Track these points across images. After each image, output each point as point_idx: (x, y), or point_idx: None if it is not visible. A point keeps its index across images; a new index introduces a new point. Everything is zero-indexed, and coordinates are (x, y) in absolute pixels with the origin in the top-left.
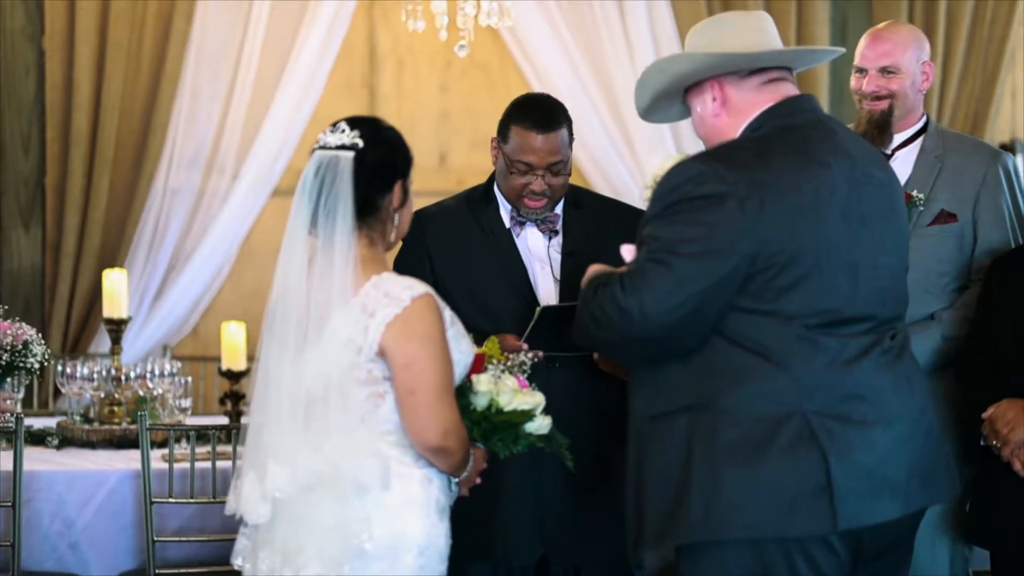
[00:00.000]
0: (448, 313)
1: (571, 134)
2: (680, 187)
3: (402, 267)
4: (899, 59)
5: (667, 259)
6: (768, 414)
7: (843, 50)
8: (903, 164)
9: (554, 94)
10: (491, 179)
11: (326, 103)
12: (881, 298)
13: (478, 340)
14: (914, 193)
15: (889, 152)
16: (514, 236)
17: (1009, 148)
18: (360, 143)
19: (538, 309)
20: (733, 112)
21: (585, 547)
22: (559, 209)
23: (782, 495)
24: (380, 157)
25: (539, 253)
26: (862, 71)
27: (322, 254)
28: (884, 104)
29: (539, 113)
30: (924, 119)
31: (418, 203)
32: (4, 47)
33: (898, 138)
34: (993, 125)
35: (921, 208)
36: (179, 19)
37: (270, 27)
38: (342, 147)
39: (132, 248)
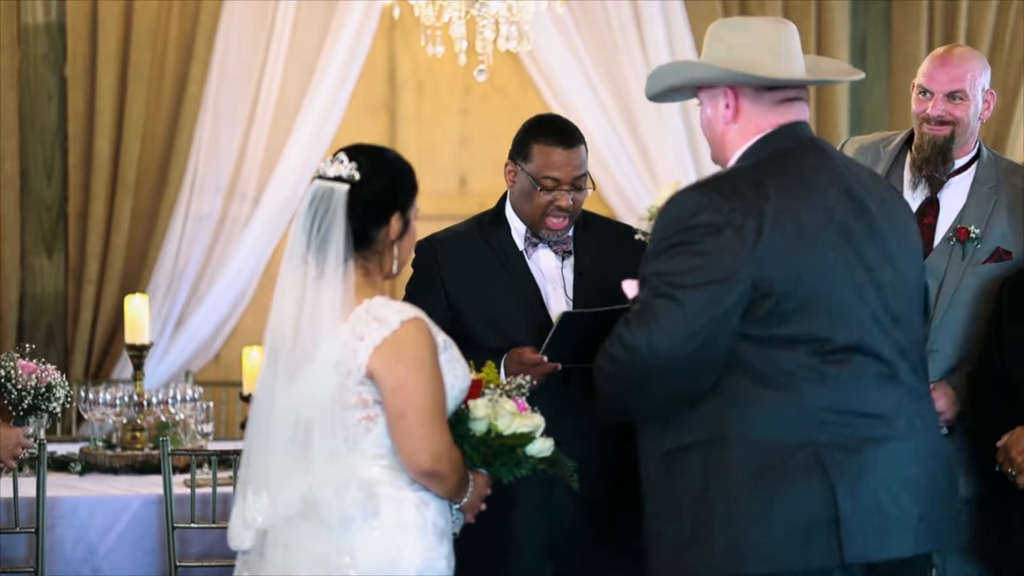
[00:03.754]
0: (441, 338)
1: (587, 151)
2: (677, 220)
3: (415, 294)
4: (967, 86)
5: (673, 293)
6: (779, 445)
7: (862, 74)
8: (956, 192)
9: (574, 117)
10: (501, 202)
11: (347, 127)
12: (889, 320)
13: (495, 361)
14: (971, 228)
15: (944, 179)
16: (526, 257)
17: None
18: (356, 175)
19: (559, 315)
20: (744, 125)
21: (595, 563)
22: (570, 231)
23: (797, 527)
24: (376, 190)
25: (551, 274)
26: (927, 93)
27: (314, 284)
28: (947, 130)
29: (560, 129)
30: (978, 146)
31: (440, 227)
32: (27, 74)
33: (952, 165)
34: (1013, 146)
35: (978, 244)
36: (200, 44)
37: (291, 51)
38: (338, 178)
39: (154, 274)
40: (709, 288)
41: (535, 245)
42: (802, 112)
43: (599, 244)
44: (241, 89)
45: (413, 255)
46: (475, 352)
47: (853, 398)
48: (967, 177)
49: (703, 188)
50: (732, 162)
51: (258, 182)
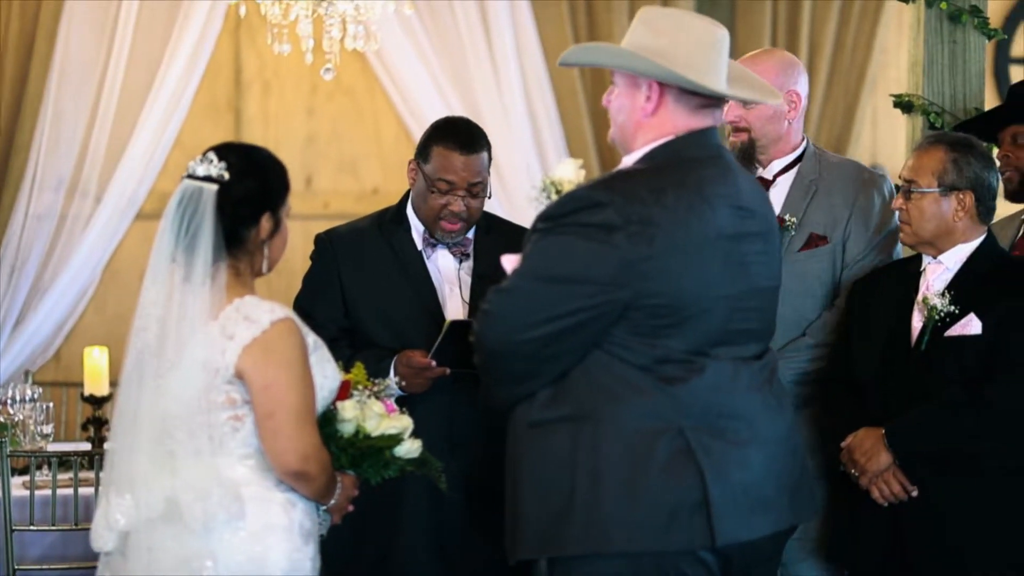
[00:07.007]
0: (312, 338)
1: (491, 158)
2: (575, 212)
3: (311, 287)
4: None
5: (537, 278)
6: (646, 428)
7: (780, 98)
8: (781, 190)
9: (418, 118)
10: (403, 201)
11: (191, 126)
12: (752, 329)
13: (387, 359)
14: (787, 217)
15: (771, 178)
16: (425, 258)
17: None
18: (226, 175)
19: (446, 323)
20: (661, 121)
21: (486, 567)
22: (471, 233)
23: (660, 510)
24: (246, 191)
25: (449, 275)
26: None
27: (182, 285)
28: (744, 136)
29: (462, 134)
30: (803, 145)
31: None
32: None
33: (777, 164)
34: (854, 151)
35: (793, 233)
36: (41, 41)
37: (134, 49)
38: (208, 178)
39: None
40: (575, 286)
41: (434, 246)
42: (718, 118)
43: (501, 249)
44: (83, 87)
45: (313, 248)
46: (368, 349)
47: (720, 390)
48: (791, 175)
49: (606, 189)
50: (636, 155)
51: (100, 180)
